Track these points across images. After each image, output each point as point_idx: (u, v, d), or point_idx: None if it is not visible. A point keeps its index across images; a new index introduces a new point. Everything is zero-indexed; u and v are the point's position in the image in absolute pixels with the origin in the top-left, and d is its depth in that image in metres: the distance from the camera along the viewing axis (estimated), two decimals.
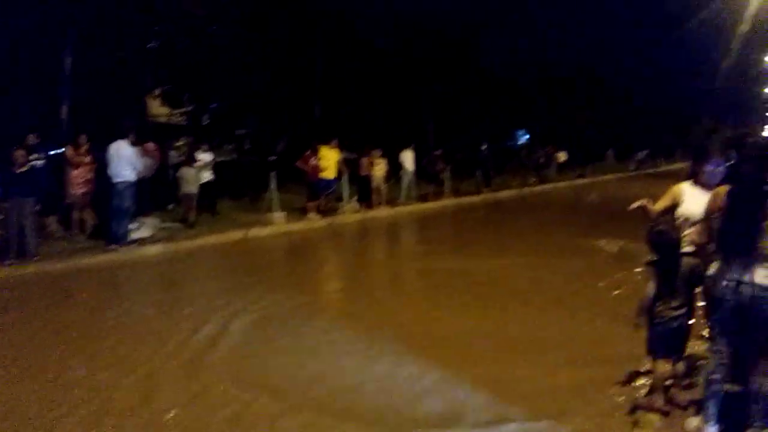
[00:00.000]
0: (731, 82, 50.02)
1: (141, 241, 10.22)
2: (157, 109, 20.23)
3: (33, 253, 8.80)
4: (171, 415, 3.97)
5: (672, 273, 3.67)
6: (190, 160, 12.29)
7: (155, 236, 10.74)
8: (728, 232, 3.27)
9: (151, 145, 10.79)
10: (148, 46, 12.18)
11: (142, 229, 10.64)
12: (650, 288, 3.71)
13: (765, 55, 35.76)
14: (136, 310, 6.68)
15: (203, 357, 5.04)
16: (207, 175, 12.97)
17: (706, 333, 4.15)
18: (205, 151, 13.27)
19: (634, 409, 3.79)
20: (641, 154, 37.03)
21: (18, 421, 3.90)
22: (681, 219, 3.81)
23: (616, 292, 7.24)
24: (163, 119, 20.52)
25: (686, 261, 3.73)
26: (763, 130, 63.14)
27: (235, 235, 11.47)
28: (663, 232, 3.67)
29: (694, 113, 55.95)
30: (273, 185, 12.80)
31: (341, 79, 19.53)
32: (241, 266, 9.39)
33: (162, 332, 5.70)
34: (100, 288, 7.99)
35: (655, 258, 3.76)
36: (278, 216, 12.63)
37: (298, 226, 12.94)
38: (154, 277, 8.72)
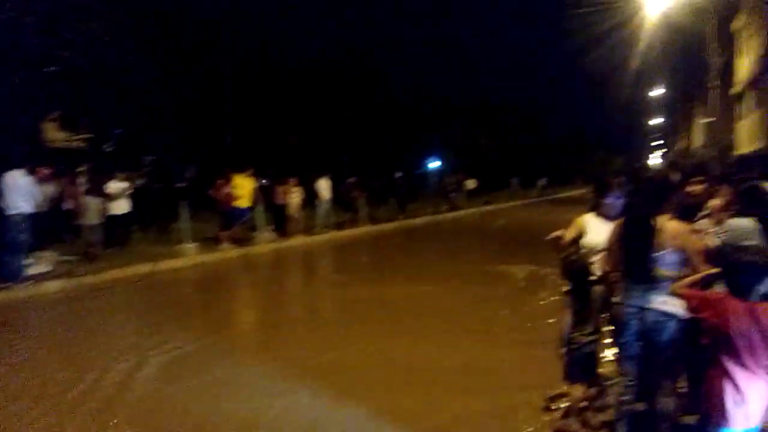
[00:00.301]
0: (623, 114, 54.16)
1: (38, 278, 9.51)
2: (53, 133, 19.06)
3: None
4: None
5: (585, 300, 3.87)
6: (94, 189, 11.59)
7: (54, 271, 10.03)
8: (626, 261, 3.49)
9: (44, 171, 10.15)
10: (45, 70, 11.47)
11: (39, 264, 9.92)
12: (567, 316, 3.89)
13: (650, 91, 39.14)
14: (34, 354, 6.16)
15: (111, 405, 4.72)
16: (123, 205, 12.31)
17: (612, 356, 4.40)
18: (120, 179, 12.56)
19: None
20: (541, 182, 39.29)
21: None
22: (585, 249, 4.04)
23: (529, 319, 7.51)
24: (60, 144, 19.35)
25: (594, 289, 3.95)
26: (648, 158, 68.51)
27: (143, 268, 10.93)
28: (574, 261, 3.88)
29: (590, 143, 59.90)
30: (184, 215, 12.33)
31: (254, 106, 19.32)
32: (149, 302, 8.95)
33: (65, 379, 5.28)
34: None
35: (570, 287, 3.95)
36: (189, 247, 12.18)
37: (210, 257, 12.52)
38: (54, 316, 8.10)
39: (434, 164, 32.15)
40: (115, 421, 4.40)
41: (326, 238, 16.35)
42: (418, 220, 22.38)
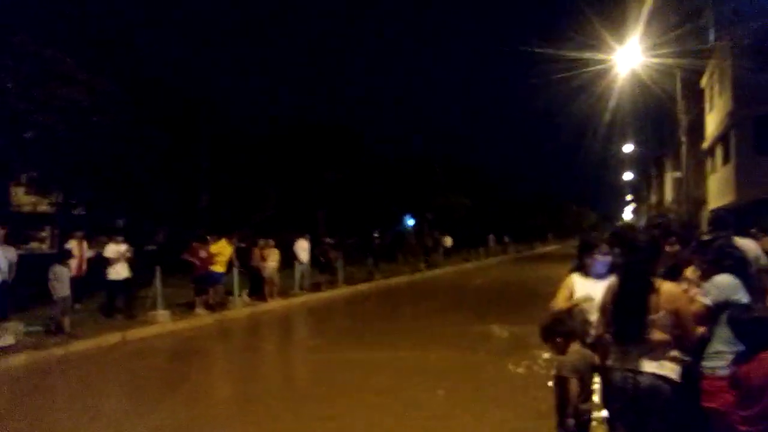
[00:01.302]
0: (595, 169, 55.84)
1: (4, 351, 9.04)
2: (20, 197, 18.65)
3: None
4: None
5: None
6: (63, 256, 11.18)
7: (19, 344, 9.55)
8: (619, 323, 3.41)
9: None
10: (25, 135, 11.36)
11: (4, 336, 9.45)
12: (574, 385, 3.73)
13: (622, 146, 40.36)
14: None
15: None
16: (122, 270, 11.86)
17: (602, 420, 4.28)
18: (118, 242, 12.12)
19: None
20: (506, 239, 39.88)
21: None
22: (584, 299, 3.99)
23: (516, 387, 7.35)
24: (27, 208, 18.93)
25: (585, 353, 3.85)
26: (623, 212, 69.78)
27: (112, 337, 10.48)
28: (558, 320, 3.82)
29: (563, 198, 61.09)
30: (157, 281, 11.98)
31: (229, 168, 19.31)
32: (120, 376, 8.51)
33: None
34: None
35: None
36: (162, 314, 11.78)
37: (184, 324, 12.11)
38: (22, 391, 7.65)
39: (411, 222, 32.30)
40: None
41: (303, 301, 16.05)
42: (396, 280, 22.21)
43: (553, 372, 3.95)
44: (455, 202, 32.62)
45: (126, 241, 12.28)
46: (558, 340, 3.83)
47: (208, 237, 13.39)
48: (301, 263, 16.70)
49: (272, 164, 20.23)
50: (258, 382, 8.23)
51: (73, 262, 11.79)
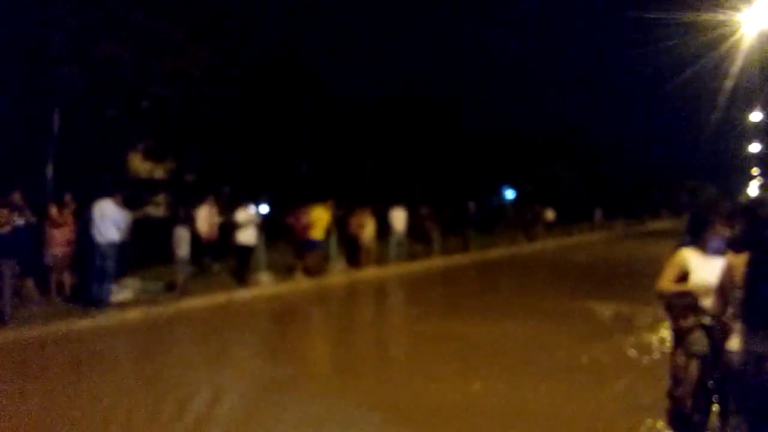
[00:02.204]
0: (714, 141, 51.45)
1: (122, 305, 9.84)
2: (138, 164, 20.11)
3: (8, 317, 8.40)
4: None
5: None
6: (186, 220, 11.87)
7: (137, 299, 10.37)
8: (750, 302, 3.15)
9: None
10: (142, 105, 12.17)
11: (123, 291, 10.29)
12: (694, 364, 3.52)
13: (749, 113, 36.59)
14: (119, 383, 6.26)
15: None
16: (251, 234, 12.30)
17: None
18: (247, 208, 12.51)
19: None
20: (597, 214, 36.95)
21: None
22: (700, 288, 3.70)
23: (620, 362, 7.00)
24: (144, 175, 20.39)
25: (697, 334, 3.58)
26: (748, 186, 64.38)
27: (220, 297, 11.12)
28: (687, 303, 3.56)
29: (678, 172, 57.15)
30: (261, 245, 12.51)
31: (329, 137, 19.66)
32: (227, 332, 8.98)
33: (151, 407, 5.36)
34: (80, 357, 7.55)
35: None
36: (265, 277, 12.32)
37: (284, 287, 12.61)
38: (138, 344, 8.32)
39: (510, 195, 31.49)
40: None
41: (398, 271, 16.17)
42: (493, 253, 21.83)
43: (677, 350, 3.66)
44: (559, 175, 31.35)
45: (256, 207, 12.69)
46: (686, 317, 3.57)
47: (307, 204, 13.75)
48: (396, 233, 16.78)
49: (370, 134, 20.38)
50: (356, 345, 8.46)
51: (205, 226, 12.52)
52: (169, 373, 6.69)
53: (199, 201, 12.69)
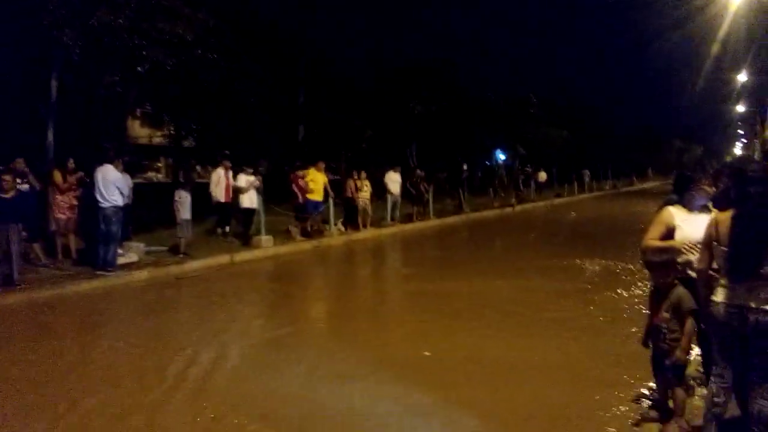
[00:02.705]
0: (701, 102, 51.49)
1: (128, 267, 10.10)
2: (138, 130, 20.17)
3: (17, 280, 8.64)
4: None
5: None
6: (186, 183, 12.03)
7: (141, 261, 10.64)
8: (734, 257, 3.32)
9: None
10: (138, 69, 12.14)
11: (128, 254, 10.54)
12: (662, 312, 3.80)
13: (737, 74, 36.69)
14: (128, 339, 6.52)
15: (207, 388, 4.98)
16: (252, 198, 12.69)
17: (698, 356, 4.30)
18: (248, 173, 12.85)
19: None
20: (586, 175, 37.23)
21: None
22: (685, 244, 3.93)
23: (605, 315, 7.37)
24: (143, 140, 20.48)
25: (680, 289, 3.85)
26: (734, 146, 64.78)
27: (222, 259, 11.40)
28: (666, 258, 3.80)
29: (665, 132, 57.41)
30: (261, 208, 12.75)
31: (325, 102, 19.69)
32: (230, 292, 9.25)
33: (159, 362, 5.61)
34: (90, 316, 7.85)
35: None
36: (265, 239, 12.59)
37: (284, 249, 12.91)
38: (145, 303, 8.60)
39: (502, 156, 31.73)
40: (212, 402, 4.65)
41: (395, 231, 16.50)
42: (486, 213, 22.21)
43: (656, 305, 3.96)
44: (552, 135, 31.50)
45: (256, 172, 12.87)
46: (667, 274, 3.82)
47: (301, 166, 13.94)
48: (392, 195, 17.06)
49: (365, 98, 20.41)
50: (351, 304, 8.74)
51: (221, 190, 12.72)
52: (176, 329, 6.99)
53: (201, 165, 12.84)
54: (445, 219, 19.46)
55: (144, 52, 11.39)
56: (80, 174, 10.31)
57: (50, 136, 10.79)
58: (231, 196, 12.95)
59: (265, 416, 4.44)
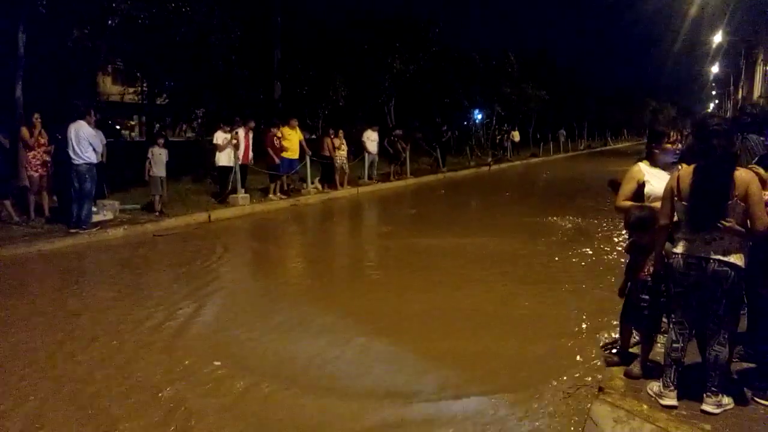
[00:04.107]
0: (676, 62, 51.77)
1: (103, 225, 10.02)
2: (109, 87, 19.67)
3: None
4: (165, 394, 4.05)
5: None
6: (160, 140, 11.85)
7: (117, 219, 10.56)
8: (694, 209, 3.42)
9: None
10: (109, 22, 11.77)
11: (102, 212, 10.44)
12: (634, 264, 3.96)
13: (712, 36, 36.84)
14: (104, 295, 6.54)
15: (183, 341, 5.07)
16: (229, 156, 12.63)
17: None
18: (225, 130, 12.61)
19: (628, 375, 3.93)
20: (562, 135, 37.62)
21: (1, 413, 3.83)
22: (651, 198, 4.04)
23: (578, 269, 7.61)
24: (115, 98, 19.98)
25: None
26: (708, 107, 65.59)
27: (199, 217, 11.37)
28: (645, 218, 3.88)
29: (639, 93, 57.81)
30: (236, 166, 12.66)
31: (300, 59, 19.37)
32: (206, 249, 9.19)
33: (135, 318, 5.65)
34: (68, 273, 7.81)
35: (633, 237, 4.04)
36: (242, 197, 12.56)
37: (261, 207, 12.90)
38: (121, 261, 8.53)
39: (479, 117, 31.72)
40: (187, 352, 4.75)
41: (372, 190, 16.56)
42: (463, 173, 22.37)
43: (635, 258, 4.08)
44: (530, 95, 31.49)
45: (232, 129, 12.70)
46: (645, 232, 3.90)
47: (276, 124, 13.83)
48: (370, 153, 17.06)
49: (342, 55, 20.12)
50: (328, 260, 8.83)
51: (240, 150, 12.64)
52: (154, 285, 7.03)
53: (175, 124, 12.65)
54: (421, 178, 19.56)
55: (113, 5, 11.02)
56: (39, 127, 10.00)
57: (18, 92, 10.49)
58: (251, 156, 13.04)
59: (240, 363, 4.57)
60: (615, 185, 4.34)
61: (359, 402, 3.98)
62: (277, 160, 13.55)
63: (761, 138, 4.55)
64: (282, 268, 8.43)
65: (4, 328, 5.39)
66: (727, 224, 3.28)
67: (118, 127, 13.59)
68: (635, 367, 3.93)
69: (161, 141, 11.42)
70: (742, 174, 3.34)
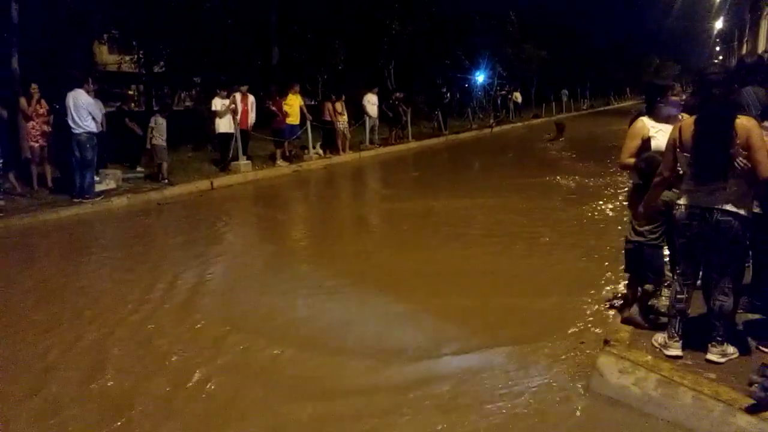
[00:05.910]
0: (678, 19, 50.80)
1: (106, 194, 10.04)
2: (105, 56, 19.41)
3: None
4: (174, 359, 4.11)
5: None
6: (164, 109, 11.76)
7: (120, 188, 10.57)
8: (697, 160, 3.39)
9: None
10: None
11: (105, 181, 10.45)
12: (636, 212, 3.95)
13: None
14: (111, 263, 6.58)
15: (192, 305, 5.12)
16: (229, 123, 12.48)
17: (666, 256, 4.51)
18: (223, 96, 12.39)
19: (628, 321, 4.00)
20: (564, 95, 37.26)
21: (9, 378, 3.86)
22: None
23: (581, 226, 7.63)
24: (112, 67, 19.76)
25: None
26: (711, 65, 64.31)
27: (202, 184, 11.37)
28: (651, 159, 3.86)
29: (643, 50, 56.90)
30: (237, 132, 12.57)
31: (298, 23, 19.04)
32: (211, 216, 9.19)
33: (143, 284, 5.68)
34: (74, 241, 7.85)
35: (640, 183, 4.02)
36: (244, 164, 12.52)
37: (264, 173, 12.87)
38: (127, 229, 8.58)
39: (480, 78, 31.31)
40: (198, 316, 4.81)
41: (374, 154, 16.48)
42: (465, 135, 22.21)
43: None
44: (531, 55, 31.01)
45: (228, 95, 12.51)
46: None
47: (278, 91, 13.68)
48: (370, 117, 16.92)
49: (340, 18, 19.76)
50: (333, 224, 8.86)
51: (238, 115, 12.47)
52: (161, 252, 7.07)
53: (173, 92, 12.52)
54: (423, 141, 19.44)
55: None
56: (38, 96, 9.92)
57: (14, 63, 10.37)
58: (251, 122, 12.87)
59: (249, 326, 4.62)
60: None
61: (374, 360, 4.01)
62: (282, 125, 13.48)
63: (762, 89, 4.45)
64: (288, 233, 8.46)
65: (12, 297, 5.44)
66: (743, 164, 3.24)
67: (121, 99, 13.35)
68: (633, 311, 3.98)
69: (164, 112, 11.37)
70: (743, 121, 3.29)
